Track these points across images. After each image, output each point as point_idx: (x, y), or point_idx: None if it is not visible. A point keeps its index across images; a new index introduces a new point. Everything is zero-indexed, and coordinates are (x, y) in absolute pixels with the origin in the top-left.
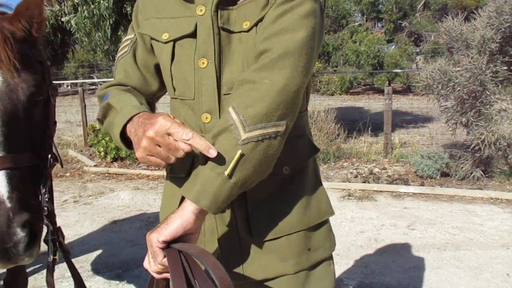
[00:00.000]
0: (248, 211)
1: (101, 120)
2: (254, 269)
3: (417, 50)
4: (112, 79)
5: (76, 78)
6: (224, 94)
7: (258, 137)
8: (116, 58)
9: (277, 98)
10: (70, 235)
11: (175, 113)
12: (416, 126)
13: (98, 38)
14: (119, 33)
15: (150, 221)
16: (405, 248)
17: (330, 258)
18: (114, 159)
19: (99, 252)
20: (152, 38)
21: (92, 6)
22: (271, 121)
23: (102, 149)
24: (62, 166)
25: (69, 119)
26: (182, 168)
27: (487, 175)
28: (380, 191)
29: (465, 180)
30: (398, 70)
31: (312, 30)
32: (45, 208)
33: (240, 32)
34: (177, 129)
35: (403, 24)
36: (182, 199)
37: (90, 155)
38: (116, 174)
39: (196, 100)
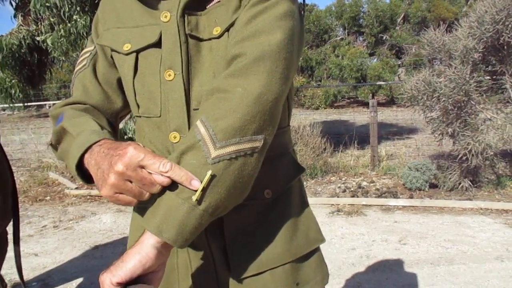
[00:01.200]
0: (225, 243)
1: (54, 146)
2: None
3: (399, 63)
4: None
5: (58, 99)
6: (194, 109)
7: (231, 154)
8: (73, 73)
9: (252, 108)
10: (49, 263)
11: (140, 133)
12: (401, 138)
13: (76, 57)
14: None
15: None
16: (397, 264)
17: None
18: None
19: (79, 280)
20: (112, 50)
21: (69, 24)
22: (246, 135)
23: None
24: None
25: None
26: (151, 198)
27: (475, 185)
28: (369, 205)
29: (454, 191)
30: (382, 83)
31: (290, 32)
32: None
33: (210, 39)
34: (151, 160)
35: (384, 38)
36: None
37: (72, 177)
38: (98, 196)
39: (162, 117)
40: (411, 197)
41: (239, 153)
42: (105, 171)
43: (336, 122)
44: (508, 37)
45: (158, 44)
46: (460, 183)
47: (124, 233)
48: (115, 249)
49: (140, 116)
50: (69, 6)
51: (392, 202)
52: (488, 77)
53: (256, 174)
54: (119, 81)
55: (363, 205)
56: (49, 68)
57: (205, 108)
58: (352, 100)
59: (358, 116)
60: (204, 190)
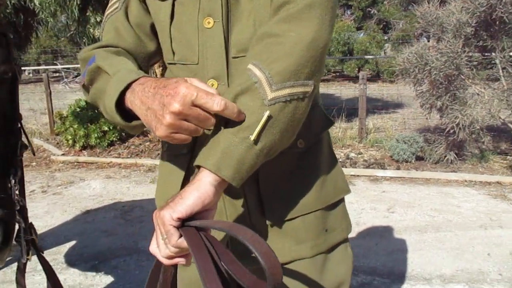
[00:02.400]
0: (260, 190)
1: (86, 87)
2: None
3: (386, 38)
4: (77, 65)
5: (39, 65)
6: (233, 57)
7: (286, 97)
8: (104, 17)
9: (306, 53)
10: (40, 226)
11: None
12: (388, 112)
13: (65, 19)
14: (87, 13)
15: (125, 210)
16: (387, 231)
17: (347, 240)
18: (83, 148)
19: (72, 243)
20: None
21: None
22: (300, 79)
23: (70, 137)
24: (34, 154)
25: (32, 107)
26: (181, 146)
27: (460, 158)
28: (358, 175)
29: (439, 164)
30: (369, 57)
31: None
32: (17, 203)
33: None
34: (205, 98)
35: (372, 12)
36: (186, 178)
37: (57, 143)
38: (85, 162)
39: (200, 64)
40: (398, 168)
41: (293, 97)
42: (158, 112)
43: (323, 95)
44: (501, 12)
45: None
46: (445, 156)
47: (114, 198)
48: (106, 214)
49: (175, 64)
50: None
51: (380, 173)
52: (478, 53)
53: (304, 119)
54: (152, 26)
55: (352, 175)
56: (36, 30)
57: (256, 52)
58: (338, 74)
59: (344, 90)
60: (261, 130)
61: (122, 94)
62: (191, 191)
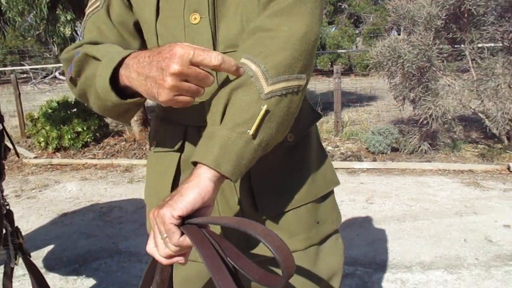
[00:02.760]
0: (251, 184)
1: (74, 80)
2: (262, 247)
3: (357, 32)
4: (46, 66)
5: (5, 66)
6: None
7: (282, 90)
8: (85, 16)
9: (299, 46)
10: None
11: None
12: (362, 105)
13: (33, 17)
14: (57, 12)
15: (103, 211)
16: (366, 221)
17: (338, 231)
18: (57, 149)
19: (50, 247)
20: None
21: None
22: (294, 73)
23: (42, 139)
24: (18, 156)
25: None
26: (170, 142)
27: (433, 148)
28: (336, 168)
29: (414, 154)
30: (342, 51)
31: None
32: (3, 206)
33: None
34: (202, 55)
35: (342, 6)
36: (176, 175)
37: (29, 146)
38: (59, 165)
39: None
40: (374, 160)
41: (288, 90)
42: (158, 77)
43: None
44: (470, 5)
45: None
46: (419, 146)
47: (91, 200)
48: (84, 216)
49: None
50: None
51: (356, 165)
52: (447, 45)
53: (297, 113)
54: (136, 24)
55: None
56: (3, 30)
57: (249, 46)
58: None
59: (318, 84)
60: (259, 124)
61: (116, 72)
62: (191, 187)
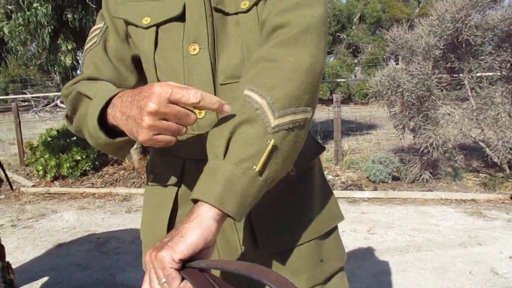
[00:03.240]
0: (252, 220)
1: (70, 117)
2: None
3: (356, 61)
4: (47, 94)
5: (7, 95)
6: (221, 84)
7: (289, 124)
8: (84, 52)
9: (305, 78)
10: (10, 263)
11: None
12: (361, 134)
13: (35, 47)
14: (58, 41)
15: (100, 242)
16: (368, 253)
17: (343, 269)
18: (55, 178)
19: (45, 279)
20: (129, 23)
21: (28, 13)
22: (301, 106)
23: (40, 168)
24: (12, 189)
25: (0, 137)
26: (168, 176)
27: (435, 177)
28: (336, 197)
29: (415, 183)
30: (341, 80)
31: (326, 6)
32: None
33: (237, 13)
34: (180, 93)
35: (341, 36)
36: (173, 211)
37: (27, 174)
38: (57, 193)
39: None
40: (375, 189)
41: (295, 124)
42: (137, 116)
43: None
44: (467, 35)
45: (181, 17)
46: (421, 175)
47: (88, 230)
48: (80, 247)
49: None
50: None
51: (357, 194)
52: (446, 74)
53: (301, 147)
54: (133, 58)
55: None
56: (5, 59)
57: (252, 76)
58: None
59: (318, 113)
60: (267, 159)
61: (104, 112)
62: (193, 227)
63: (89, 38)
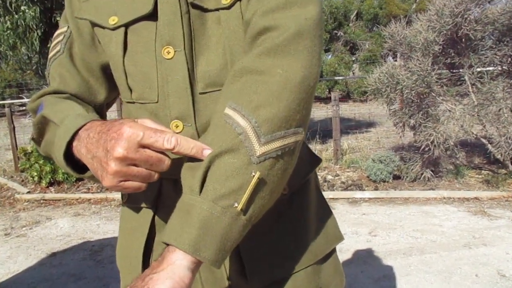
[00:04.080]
0: (239, 249)
1: (36, 140)
2: None
3: (353, 58)
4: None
5: (3, 99)
6: (200, 93)
7: (277, 150)
8: (48, 60)
9: (297, 95)
10: (1, 274)
11: None
12: (361, 132)
13: (25, 51)
14: (49, 45)
15: (95, 249)
16: (371, 256)
17: None
18: (50, 184)
19: None
20: (94, 24)
21: (16, 16)
22: (291, 127)
23: (35, 174)
24: None
25: None
26: (144, 196)
27: (436, 175)
28: (336, 198)
29: (416, 182)
30: (339, 77)
31: (321, 5)
32: None
33: (217, 9)
34: (153, 137)
35: (338, 34)
36: (149, 236)
37: (22, 181)
38: (53, 200)
39: (160, 103)
40: (376, 189)
41: (284, 149)
42: (103, 159)
43: None
44: (467, 30)
45: (152, 16)
46: (422, 174)
47: (83, 237)
48: (74, 256)
49: (133, 102)
50: None
51: (358, 194)
52: (446, 70)
53: (292, 171)
54: (102, 67)
55: (330, 198)
56: None
57: (234, 92)
58: None
59: (316, 111)
60: (250, 196)
61: (70, 143)
62: (162, 280)
63: (52, 45)
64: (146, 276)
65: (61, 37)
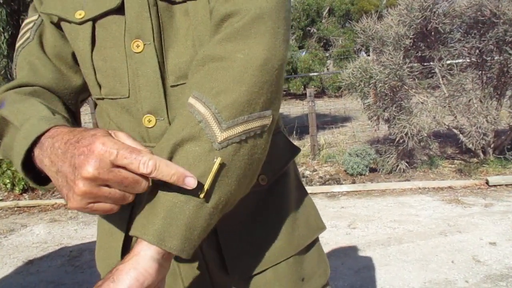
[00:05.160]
0: (219, 242)
1: None
2: None
3: (327, 54)
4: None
5: None
6: (172, 86)
7: (241, 135)
8: (15, 51)
9: (259, 77)
10: None
11: (103, 118)
12: (336, 127)
13: None
14: None
15: (73, 255)
16: (350, 248)
17: (328, 284)
18: (24, 190)
19: None
20: (60, 19)
21: None
22: (255, 111)
23: (8, 181)
24: None
25: None
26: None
27: (411, 167)
28: (315, 193)
29: (392, 173)
30: (314, 74)
31: None
32: None
33: (184, 1)
34: (128, 158)
35: (311, 31)
36: (127, 238)
37: None
38: (27, 207)
39: (132, 97)
40: (353, 182)
41: (249, 134)
42: (69, 177)
43: None
44: (436, 24)
45: (120, 9)
46: (397, 166)
47: (61, 243)
48: (52, 262)
49: (102, 99)
50: None
51: (336, 188)
52: (417, 63)
53: (264, 158)
54: (75, 56)
55: (309, 193)
56: None
57: (197, 81)
58: (285, 92)
59: (292, 108)
60: (213, 182)
61: (31, 151)
62: (126, 270)
63: (21, 33)
64: (114, 268)
65: (30, 25)
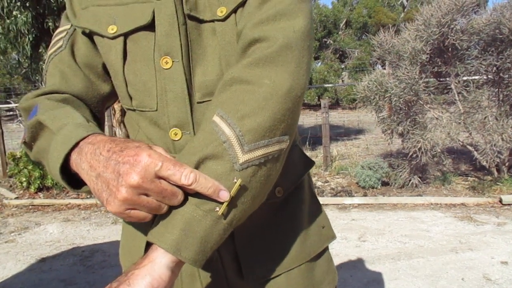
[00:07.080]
0: (236, 248)
1: (28, 144)
2: None
3: (342, 66)
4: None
5: None
6: (198, 102)
7: (260, 158)
8: (47, 58)
9: (283, 105)
10: None
11: (133, 127)
12: (350, 139)
13: (16, 56)
14: (40, 50)
15: (85, 255)
16: (360, 261)
17: None
18: (39, 189)
19: None
20: (93, 33)
21: (8, 21)
22: (275, 136)
23: (24, 179)
24: None
25: None
26: None
27: (424, 182)
28: (326, 204)
29: (405, 188)
30: (328, 85)
31: (310, 16)
32: None
33: (213, 21)
34: (171, 170)
35: (327, 42)
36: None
37: (10, 186)
38: (41, 205)
39: (160, 111)
40: (365, 195)
41: (267, 157)
42: (111, 183)
43: None
44: (453, 40)
45: (150, 26)
46: (410, 180)
47: (73, 243)
48: (64, 261)
49: (134, 110)
50: (8, 1)
51: (347, 200)
52: (433, 79)
53: (277, 178)
54: (105, 66)
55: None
56: None
57: (223, 100)
58: None
59: (306, 118)
60: (230, 201)
61: (68, 155)
62: (142, 275)
63: (53, 41)
64: (129, 272)
65: (63, 34)
